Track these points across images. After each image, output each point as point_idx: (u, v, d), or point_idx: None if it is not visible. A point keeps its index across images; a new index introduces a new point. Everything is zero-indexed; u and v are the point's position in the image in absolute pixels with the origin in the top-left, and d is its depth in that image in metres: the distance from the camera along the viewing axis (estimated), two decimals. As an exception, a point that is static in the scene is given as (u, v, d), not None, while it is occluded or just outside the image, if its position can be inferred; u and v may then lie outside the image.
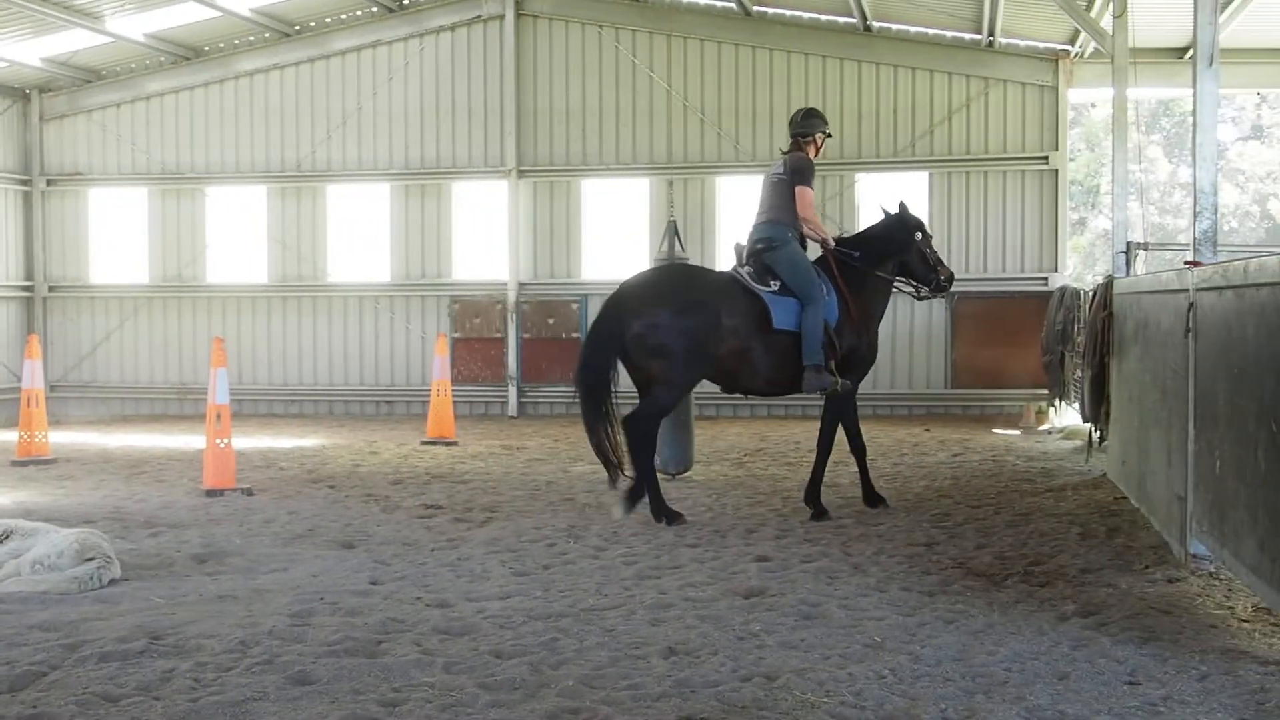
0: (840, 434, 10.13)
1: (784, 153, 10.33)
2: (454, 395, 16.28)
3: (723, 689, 5.13)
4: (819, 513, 9.74)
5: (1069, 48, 18.18)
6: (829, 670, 5.40)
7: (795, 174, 10.03)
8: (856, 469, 10.37)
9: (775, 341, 9.73)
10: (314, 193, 20.47)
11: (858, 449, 10.25)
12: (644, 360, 9.54)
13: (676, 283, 9.80)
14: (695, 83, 19.28)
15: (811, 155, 10.26)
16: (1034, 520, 9.20)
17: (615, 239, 19.94)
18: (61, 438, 16.17)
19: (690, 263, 10.79)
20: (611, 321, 9.61)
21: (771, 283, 9.82)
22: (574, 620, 6.32)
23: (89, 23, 18.04)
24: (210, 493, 10.96)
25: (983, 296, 18.37)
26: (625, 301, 9.66)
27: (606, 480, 9.72)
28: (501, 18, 19.66)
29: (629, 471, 9.57)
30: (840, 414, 10.16)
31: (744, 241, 10.23)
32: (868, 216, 18.94)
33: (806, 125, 10.30)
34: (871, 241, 10.42)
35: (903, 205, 10.65)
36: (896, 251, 10.41)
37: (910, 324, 18.55)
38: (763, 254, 9.93)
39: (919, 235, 10.54)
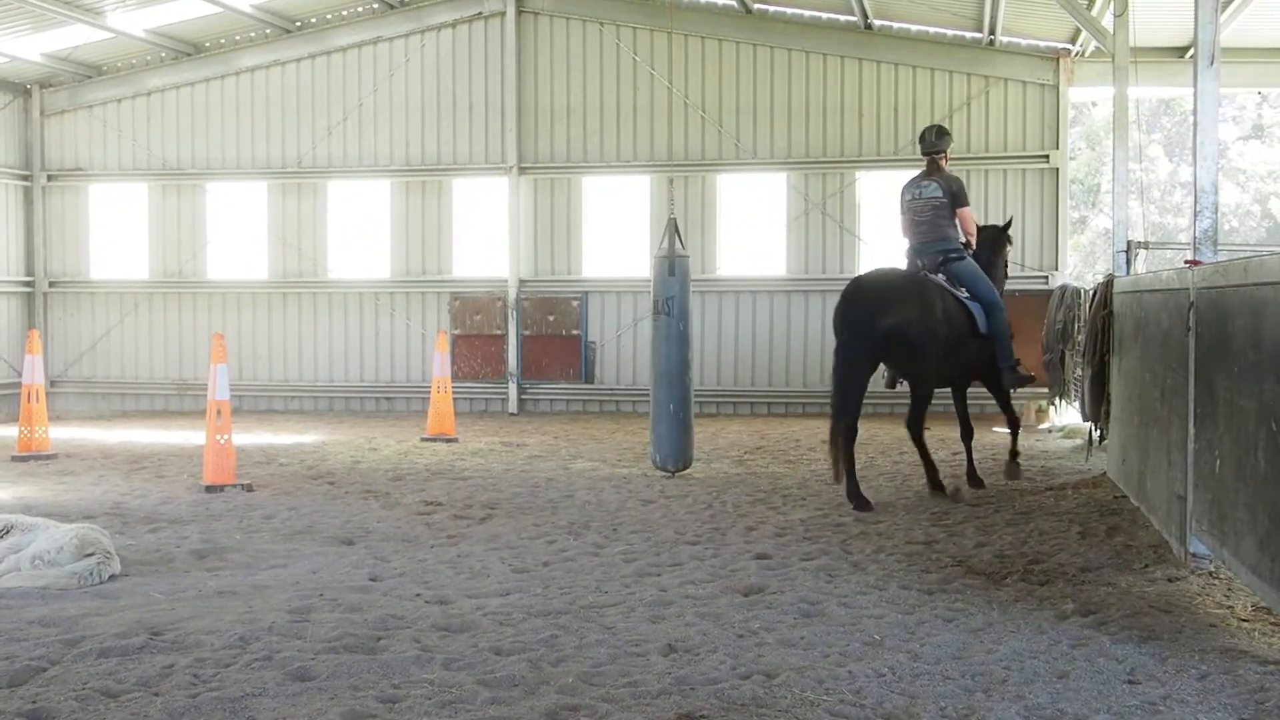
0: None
1: (932, 171, 10.99)
2: (454, 392, 16.29)
3: (722, 686, 5.14)
4: (978, 483, 10.86)
5: (1070, 46, 18.17)
6: (828, 668, 5.40)
7: (955, 196, 10.87)
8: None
9: (972, 342, 10.64)
10: (314, 189, 20.47)
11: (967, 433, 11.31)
12: (899, 355, 10.37)
13: (911, 284, 10.46)
14: (696, 80, 19.28)
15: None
16: (1034, 519, 9.21)
17: (616, 236, 19.93)
18: (62, 433, 16.17)
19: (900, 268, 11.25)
20: (863, 320, 10.11)
21: (960, 289, 10.67)
22: (573, 617, 6.32)
23: (89, 18, 18.03)
24: (210, 488, 10.97)
25: (983, 295, 18.34)
26: (872, 301, 10.19)
27: (833, 476, 10.29)
28: (502, 14, 19.65)
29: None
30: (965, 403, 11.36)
31: (910, 251, 11.09)
32: (868, 215, 18.98)
33: (941, 143, 11.07)
34: (983, 249, 11.33)
35: (1010, 221, 12.15)
36: (996, 258, 11.44)
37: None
38: (948, 264, 10.74)
39: (1008, 248, 11.77)
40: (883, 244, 18.86)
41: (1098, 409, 11.10)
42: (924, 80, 18.70)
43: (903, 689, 5.12)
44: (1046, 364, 14.82)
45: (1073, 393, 13.85)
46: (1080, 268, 34.67)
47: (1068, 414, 15.50)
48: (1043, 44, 18.35)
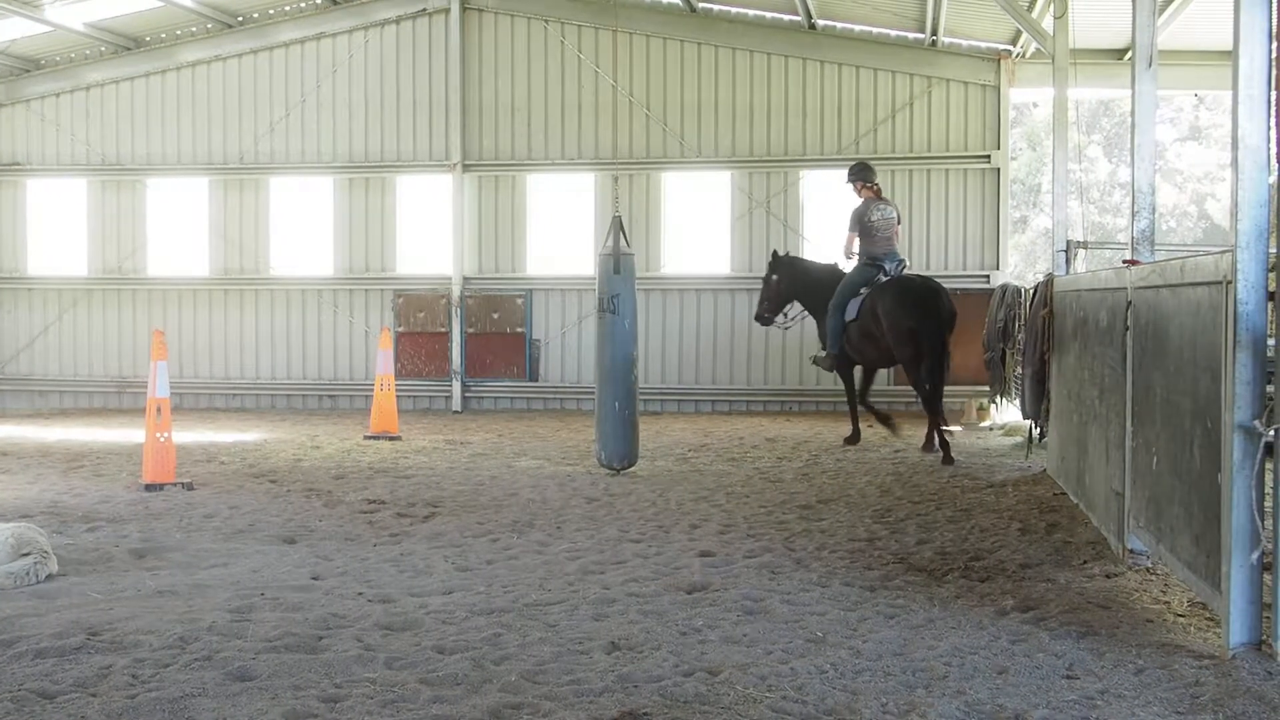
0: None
1: (880, 195, 14.16)
2: (397, 390, 16.20)
3: (665, 684, 5.15)
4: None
5: (1011, 48, 18.34)
6: (771, 665, 5.42)
7: (899, 216, 14.21)
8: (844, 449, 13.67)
9: None
10: (256, 185, 20.30)
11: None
12: (948, 333, 13.33)
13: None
14: (641, 78, 19.29)
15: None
16: (975, 516, 9.29)
17: (560, 234, 19.90)
18: (-3, 431, 15.95)
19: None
20: (941, 309, 13.20)
21: None
22: (517, 615, 6.32)
23: (28, 11, 17.77)
24: (150, 487, 10.85)
25: (925, 294, 18.50)
26: (941, 295, 13.37)
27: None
28: (446, 11, 19.57)
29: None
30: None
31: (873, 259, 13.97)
32: (812, 214, 19.09)
33: (875, 174, 14.34)
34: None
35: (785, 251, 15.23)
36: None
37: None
38: (903, 270, 13.86)
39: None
40: (827, 243, 18.99)
41: (1038, 407, 11.22)
42: (867, 80, 18.81)
43: (844, 685, 5.16)
44: (987, 362, 14.95)
45: (1013, 391, 13.98)
46: (1021, 267, 35.01)
47: (1008, 412, 15.65)
48: (984, 45, 18.50)
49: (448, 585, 7.07)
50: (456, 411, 19.32)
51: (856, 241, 13.87)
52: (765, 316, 15.11)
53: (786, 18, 18.83)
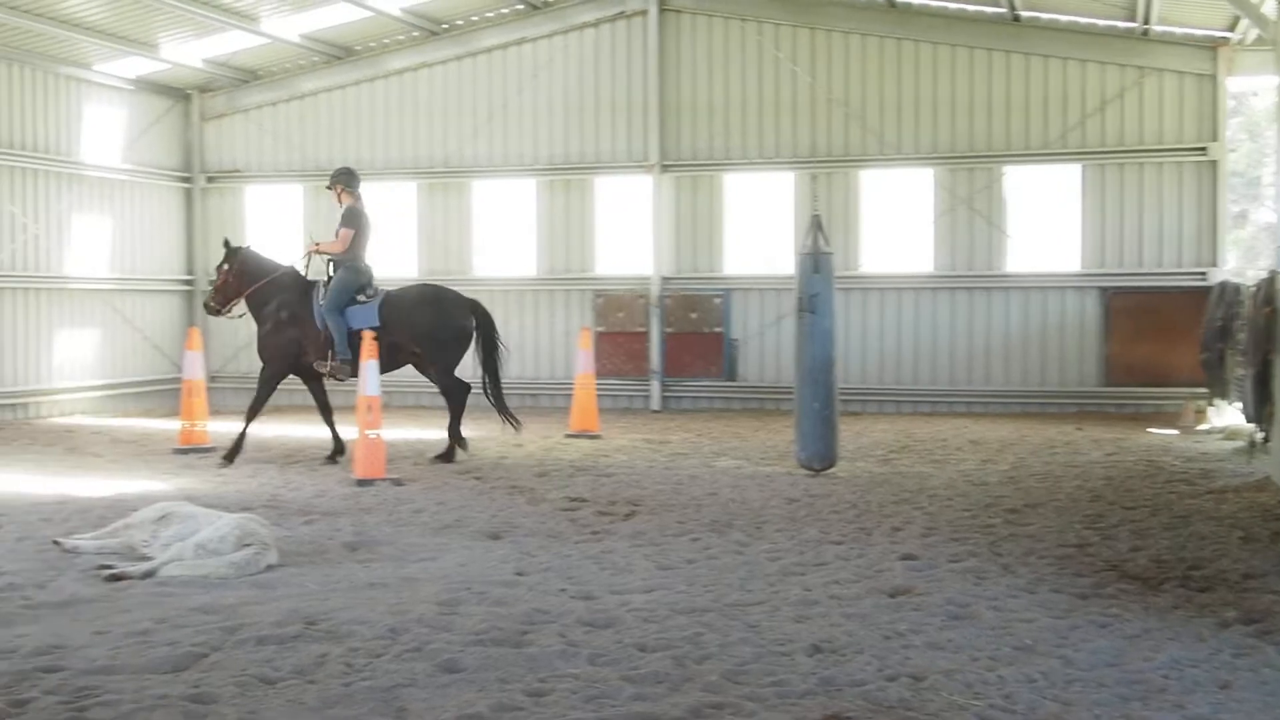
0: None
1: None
2: (597, 389, 16.37)
3: (869, 688, 5.09)
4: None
5: (1228, 35, 17.58)
6: (978, 672, 5.31)
7: None
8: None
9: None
10: (460, 188, 20.78)
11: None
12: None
13: None
14: (839, 76, 19.11)
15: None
16: (1193, 523, 8.95)
17: (758, 233, 19.86)
18: (220, 427, 16.64)
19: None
20: (489, 314, 13.76)
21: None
22: (718, 615, 6.32)
23: (246, 24, 18.55)
24: (361, 482, 11.20)
25: (1137, 291, 17.93)
26: (478, 303, 13.76)
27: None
28: (645, 13, 19.71)
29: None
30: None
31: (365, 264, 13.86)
32: (1015, 210, 18.64)
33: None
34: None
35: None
36: None
37: (1061, 319, 18.16)
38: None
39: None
40: (1030, 240, 18.54)
41: (1261, 410, 10.77)
42: (1075, 72, 18.28)
43: (1055, 695, 5.02)
44: (1204, 363, 14.41)
45: (1234, 393, 13.44)
46: (1241, 263, 33.59)
47: (1228, 415, 15.02)
48: (1199, 33, 17.78)
49: (648, 584, 7.11)
50: (655, 410, 19.44)
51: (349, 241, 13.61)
52: (212, 306, 13.92)
53: (989, 10, 18.42)
